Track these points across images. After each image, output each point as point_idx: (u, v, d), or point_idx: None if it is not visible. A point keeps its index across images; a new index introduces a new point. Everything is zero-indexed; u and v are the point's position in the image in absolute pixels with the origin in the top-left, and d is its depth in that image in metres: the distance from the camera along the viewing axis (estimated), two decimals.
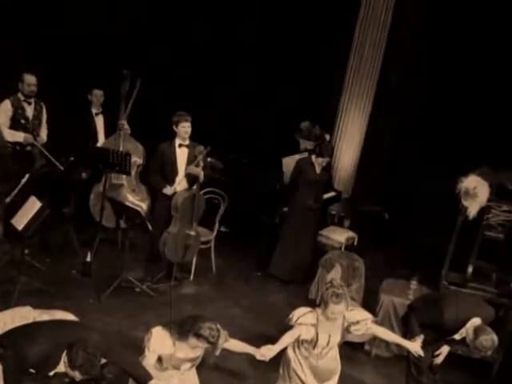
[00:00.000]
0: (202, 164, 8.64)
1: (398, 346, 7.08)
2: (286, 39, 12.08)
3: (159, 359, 5.42)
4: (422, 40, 11.83)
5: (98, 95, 9.93)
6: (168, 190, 8.81)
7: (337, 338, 5.95)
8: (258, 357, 5.80)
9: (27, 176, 8.20)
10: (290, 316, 5.92)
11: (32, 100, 9.20)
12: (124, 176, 9.46)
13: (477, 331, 6.24)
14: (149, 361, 5.38)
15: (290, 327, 5.92)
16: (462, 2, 11.29)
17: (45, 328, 5.28)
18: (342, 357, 6.24)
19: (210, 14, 12.24)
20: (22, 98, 9.12)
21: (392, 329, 7.54)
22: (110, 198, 8.83)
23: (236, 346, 5.77)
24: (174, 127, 8.75)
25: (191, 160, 8.74)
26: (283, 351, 6.04)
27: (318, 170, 9.53)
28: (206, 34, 12.06)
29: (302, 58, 12.32)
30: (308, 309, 5.96)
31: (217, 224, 9.58)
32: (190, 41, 11.95)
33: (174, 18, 11.97)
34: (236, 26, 12.22)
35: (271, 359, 5.87)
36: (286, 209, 10.05)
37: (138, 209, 8.88)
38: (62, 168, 8.85)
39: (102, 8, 11.18)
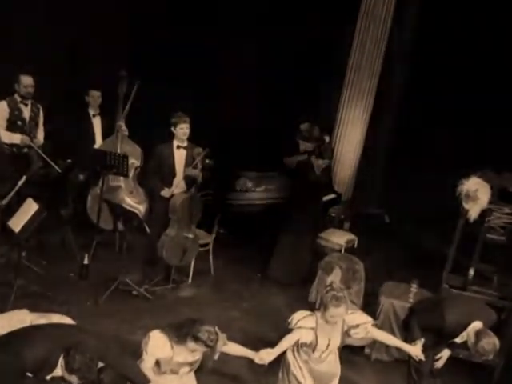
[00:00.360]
0: (200, 166, 8.60)
1: (399, 349, 7.06)
2: (285, 39, 12.04)
3: (157, 363, 5.38)
4: (423, 40, 11.79)
5: (95, 96, 9.87)
6: (166, 193, 8.77)
7: (336, 342, 5.92)
8: (257, 360, 5.76)
9: (24, 178, 8.13)
10: (290, 319, 5.88)
11: (29, 101, 9.14)
12: (122, 178, 9.42)
13: (478, 335, 6.23)
14: (146, 365, 5.35)
15: (290, 331, 5.88)
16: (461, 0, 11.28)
17: (42, 332, 5.24)
18: (341, 361, 6.20)
19: (210, 15, 12.19)
20: (19, 99, 9.07)
21: (392, 332, 7.50)
22: (108, 201, 8.78)
23: (235, 349, 5.74)
24: (172, 129, 8.72)
25: (189, 162, 8.70)
26: (282, 355, 6.00)
27: (317, 171, 9.49)
28: (205, 33, 11.99)
29: (302, 59, 12.28)
30: (307, 312, 5.92)
31: (215, 226, 9.53)
32: (190, 41, 11.89)
33: (173, 18, 11.93)
34: (236, 25, 12.18)
35: (270, 363, 5.83)
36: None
37: (136, 211, 8.82)
38: (59, 170, 8.80)
39: (98, 8, 11.10)
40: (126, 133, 9.54)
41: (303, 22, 12.02)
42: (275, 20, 12.05)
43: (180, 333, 5.25)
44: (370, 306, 8.16)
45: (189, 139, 8.84)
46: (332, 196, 11.06)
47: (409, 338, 6.59)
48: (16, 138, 9.02)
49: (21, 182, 8.09)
